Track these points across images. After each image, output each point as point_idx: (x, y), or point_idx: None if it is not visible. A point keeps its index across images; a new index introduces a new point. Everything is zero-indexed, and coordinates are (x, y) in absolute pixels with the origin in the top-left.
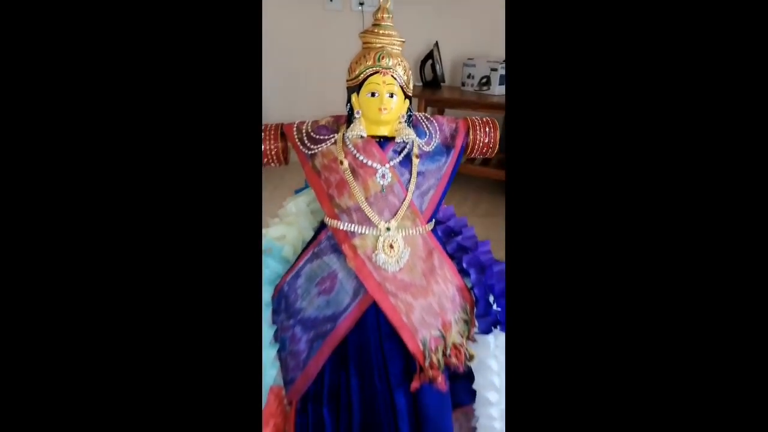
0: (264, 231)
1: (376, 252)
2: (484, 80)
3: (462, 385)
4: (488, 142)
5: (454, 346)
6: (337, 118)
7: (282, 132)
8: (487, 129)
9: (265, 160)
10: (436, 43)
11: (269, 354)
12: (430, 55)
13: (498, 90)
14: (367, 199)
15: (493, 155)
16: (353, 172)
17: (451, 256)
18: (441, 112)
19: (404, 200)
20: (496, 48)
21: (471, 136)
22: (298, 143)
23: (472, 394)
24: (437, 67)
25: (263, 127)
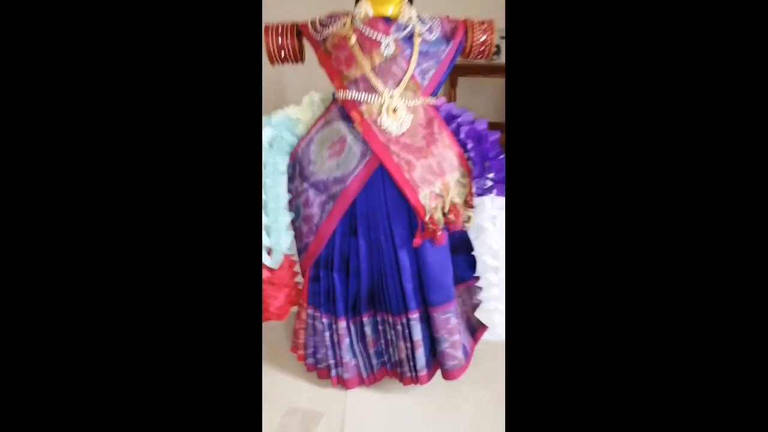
0: (281, 111)
1: (380, 116)
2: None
3: (462, 258)
4: (485, 41)
5: (453, 205)
6: (345, 12)
7: (298, 31)
8: (483, 27)
9: (283, 53)
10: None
11: (284, 220)
12: None
13: None
14: (372, 69)
15: (490, 56)
16: (360, 47)
17: (452, 133)
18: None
19: (407, 71)
20: None
21: (469, 37)
22: (311, 30)
23: (473, 268)
24: None
25: (281, 25)
